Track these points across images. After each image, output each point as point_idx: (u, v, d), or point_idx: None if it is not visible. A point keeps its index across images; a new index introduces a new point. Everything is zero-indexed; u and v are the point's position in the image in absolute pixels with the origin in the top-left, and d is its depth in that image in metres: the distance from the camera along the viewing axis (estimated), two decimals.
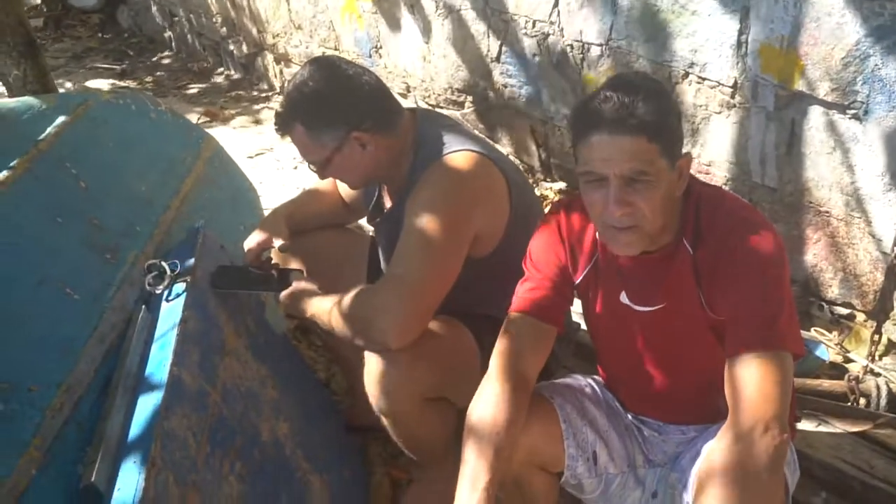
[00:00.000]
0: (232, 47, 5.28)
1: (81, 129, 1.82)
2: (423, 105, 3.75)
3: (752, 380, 1.22)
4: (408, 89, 3.87)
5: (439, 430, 1.73)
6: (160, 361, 1.39)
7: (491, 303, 1.65)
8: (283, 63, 4.84)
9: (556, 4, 2.85)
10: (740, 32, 2.24)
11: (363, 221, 2.06)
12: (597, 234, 1.43)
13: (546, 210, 1.62)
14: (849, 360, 2.25)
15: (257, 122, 4.69)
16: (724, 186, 2.42)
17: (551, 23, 2.90)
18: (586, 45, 2.80)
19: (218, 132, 3.85)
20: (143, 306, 1.56)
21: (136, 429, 1.27)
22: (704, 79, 2.41)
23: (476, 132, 1.94)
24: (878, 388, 2.01)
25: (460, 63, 3.47)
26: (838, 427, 1.88)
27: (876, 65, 1.92)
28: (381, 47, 3.94)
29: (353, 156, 1.66)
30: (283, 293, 1.72)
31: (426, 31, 3.56)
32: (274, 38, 4.76)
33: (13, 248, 1.44)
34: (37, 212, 1.54)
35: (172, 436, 1.27)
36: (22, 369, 1.28)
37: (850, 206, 2.14)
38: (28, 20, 3.19)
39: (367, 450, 2.07)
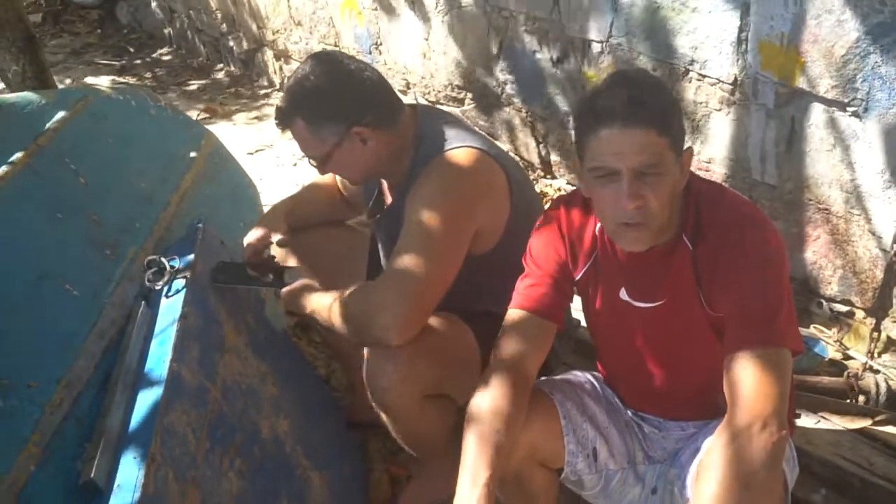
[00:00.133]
0: (231, 43, 5.27)
1: (81, 124, 1.82)
2: (423, 102, 3.74)
3: (751, 376, 1.22)
4: (408, 86, 3.87)
5: (439, 427, 1.73)
6: (160, 358, 1.39)
7: (491, 299, 1.65)
8: (282, 59, 4.84)
9: (556, 1, 2.84)
10: (741, 30, 2.24)
11: (363, 217, 2.06)
12: (596, 230, 1.43)
13: (546, 207, 1.62)
14: (848, 357, 2.25)
15: (257, 118, 4.69)
16: (723, 184, 2.42)
17: (552, 19, 2.90)
18: (587, 42, 2.79)
19: (218, 128, 3.84)
20: (143, 302, 1.56)
21: (135, 425, 1.27)
22: (705, 76, 2.40)
23: (476, 129, 1.94)
24: (877, 384, 2.01)
25: (460, 60, 3.46)
26: (837, 424, 1.88)
27: (876, 62, 1.92)
28: (380, 44, 3.93)
29: (354, 151, 1.66)
30: (284, 289, 1.72)
31: (426, 27, 3.56)
32: (273, 34, 4.76)
33: (13, 244, 1.44)
34: (36, 207, 1.54)
35: (172, 432, 1.27)
36: (21, 365, 1.28)
37: (849, 203, 2.13)
38: (27, 15, 3.19)
39: (367, 446, 2.07)
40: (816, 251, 2.30)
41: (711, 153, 2.50)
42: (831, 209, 2.20)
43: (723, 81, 2.35)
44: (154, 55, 6.07)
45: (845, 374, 2.07)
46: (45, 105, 1.79)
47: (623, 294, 1.43)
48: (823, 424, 1.88)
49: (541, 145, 3.30)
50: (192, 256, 1.64)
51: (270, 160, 4.04)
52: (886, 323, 2.16)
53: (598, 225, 1.42)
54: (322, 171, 1.74)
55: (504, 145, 3.35)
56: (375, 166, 1.71)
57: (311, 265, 1.87)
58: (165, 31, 6.13)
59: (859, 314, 2.27)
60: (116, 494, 1.14)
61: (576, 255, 1.46)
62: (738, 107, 2.35)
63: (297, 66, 1.68)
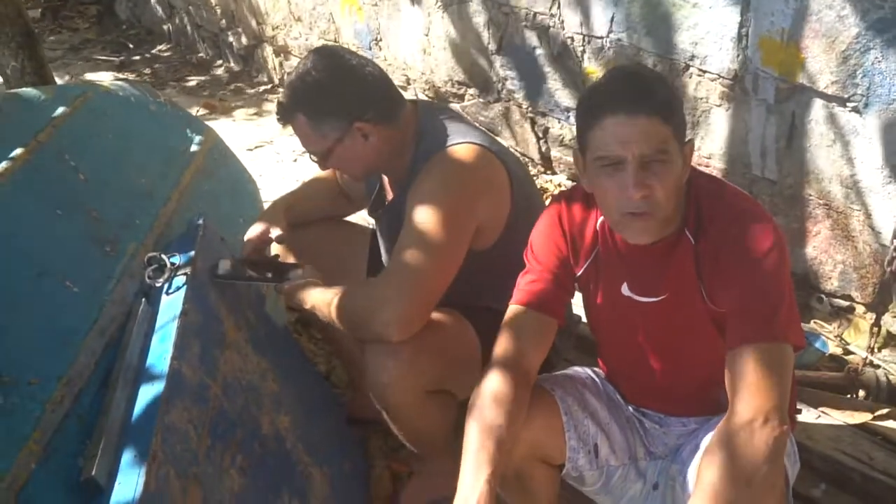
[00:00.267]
0: (231, 39, 5.26)
1: (81, 120, 1.82)
2: (424, 97, 3.74)
3: (752, 371, 1.22)
4: (408, 82, 3.86)
5: (440, 423, 1.73)
6: (160, 354, 1.38)
7: (492, 295, 1.65)
8: (282, 55, 4.83)
9: None
10: (741, 25, 2.23)
11: (364, 213, 2.06)
12: (598, 225, 1.43)
13: (547, 202, 1.62)
14: (848, 352, 2.25)
15: (257, 114, 4.68)
16: (724, 179, 2.42)
17: (552, 15, 2.90)
18: (587, 38, 2.79)
19: (217, 125, 3.84)
20: (143, 299, 1.56)
21: (136, 422, 1.27)
22: (705, 71, 2.40)
23: (477, 125, 1.94)
24: (877, 379, 2.01)
25: (461, 55, 3.46)
26: (838, 419, 1.89)
27: (876, 58, 1.92)
28: (380, 39, 3.92)
29: (355, 146, 1.66)
30: (284, 285, 1.72)
31: (426, 23, 3.55)
32: (273, 30, 4.75)
33: (12, 241, 1.43)
34: (36, 204, 1.54)
35: (173, 429, 1.27)
36: (22, 362, 1.27)
37: (849, 198, 2.13)
38: (26, 11, 3.18)
39: (368, 443, 2.07)
40: (817, 246, 2.30)
41: (712, 148, 2.50)
42: (831, 204, 2.20)
43: (723, 77, 2.35)
44: (153, 51, 6.06)
45: (846, 369, 2.07)
46: (45, 101, 1.79)
47: (625, 289, 1.42)
48: (824, 419, 1.89)
49: (541, 141, 3.30)
50: (192, 253, 1.63)
51: (270, 156, 4.04)
52: (886, 318, 2.16)
53: (600, 220, 1.42)
54: (323, 166, 1.74)
55: (504, 141, 3.34)
56: (377, 162, 1.71)
57: (311, 261, 1.86)
58: (165, 26, 6.12)
59: (859, 309, 2.27)
60: (117, 492, 1.14)
61: (577, 251, 1.46)
62: (738, 102, 2.35)
63: (299, 62, 1.67)
